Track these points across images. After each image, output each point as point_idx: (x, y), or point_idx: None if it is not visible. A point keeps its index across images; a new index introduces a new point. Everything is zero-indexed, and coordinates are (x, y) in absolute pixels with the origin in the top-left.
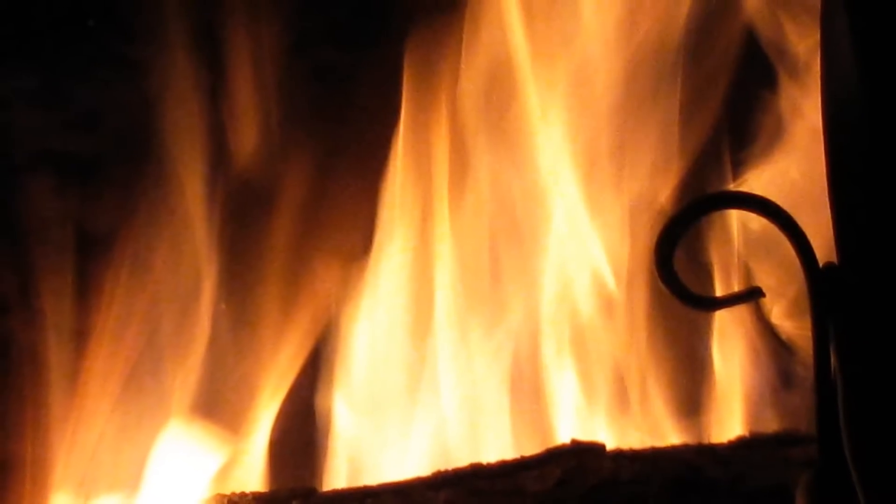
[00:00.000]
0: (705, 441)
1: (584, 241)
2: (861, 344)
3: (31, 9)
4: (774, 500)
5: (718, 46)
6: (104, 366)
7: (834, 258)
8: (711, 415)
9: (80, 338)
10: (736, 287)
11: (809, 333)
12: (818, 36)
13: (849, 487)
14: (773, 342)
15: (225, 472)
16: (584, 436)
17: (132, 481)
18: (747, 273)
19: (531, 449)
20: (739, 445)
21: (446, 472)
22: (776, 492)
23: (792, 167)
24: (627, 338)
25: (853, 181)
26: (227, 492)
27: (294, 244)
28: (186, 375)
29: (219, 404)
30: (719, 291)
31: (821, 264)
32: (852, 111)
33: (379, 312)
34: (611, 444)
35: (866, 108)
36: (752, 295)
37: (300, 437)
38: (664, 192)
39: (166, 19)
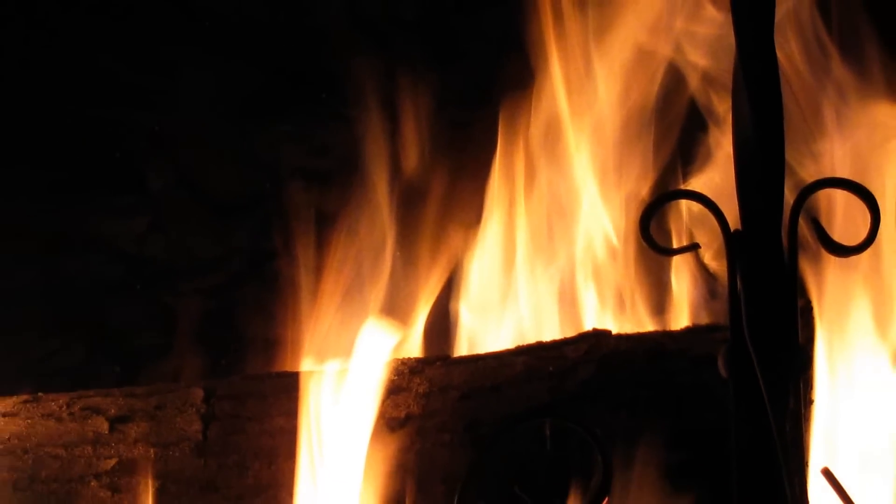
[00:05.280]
0: (667, 329)
1: (600, 217)
2: (753, 275)
3: (287, 88)
4: (706, 363)
5: (674, 108)
6: (331, 286)
7: (739, 226)
8: (670, 314)
9: (318, 271)
10: (684, 242)
11: (725, 269)
12: (731, 102)
13: (748, 355)
14: (705, 273)
15: (399, 346)
16: (599, 325)
17: (347, 352)
18: (690, 235)
19: (570, 332)
20: (686, 331)
21: (522, 346)
22: (707, 358)
23: (716, 175)
24: (624, 271)
25: (750, 183)
26: (401, 357)
27: (437, 219)
28: (377, 292)
29: (395, 308)
30: (675, 245)
31: (731, 230)
32: (749, 144)
33: (485, 257)
34: (615, 331)
35: (757, 143)
36: (693, 247)
37: (441, 326)
38: (644, 190)
39: (366, 93)
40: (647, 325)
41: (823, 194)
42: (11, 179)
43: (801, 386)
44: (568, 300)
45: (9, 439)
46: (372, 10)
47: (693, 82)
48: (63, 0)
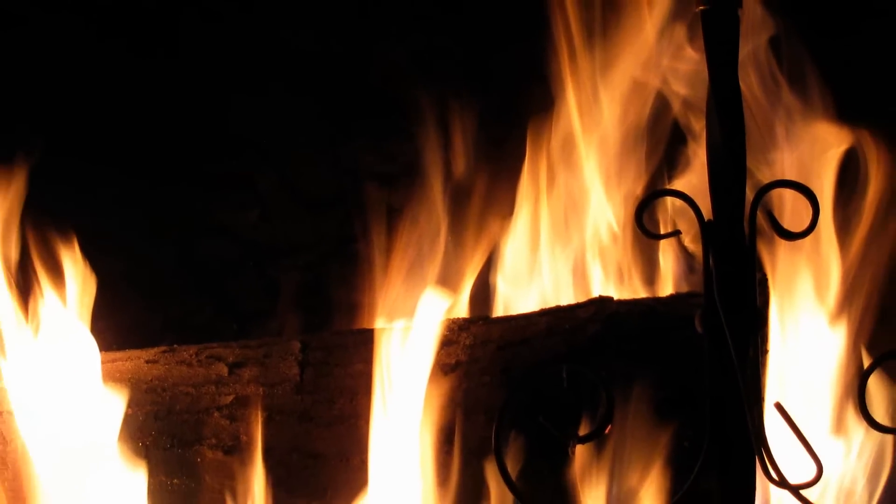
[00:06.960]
0: (657, 296)
1: (604, 210)
2: (722, 254)
3: (364, 110)
4: (686, 323)
5: (661, 126)
6: (398, 264)
7: (711, 217)
8: (659, 284)
9: (388, 252)
10: (669, 229)
11: (701, 250)
12: (705, 122)
13: (718, 316)
14: (685, 253)
15: (450, 309)
16: (604, 293)
17: (411, 313)
18: (674, 223)
19: (581, 298)
20: (671, 298)
21: (544, 308)
22: (687, 319)
23: (693, 178)
24: (623, 251)
25: (719, 184)
26: (452, 317)
27: (479, 211)
28: (433, 268)
29: (447, 280)
30: (662, 231)
31: (705, 220)
32: (718, 154)
33: (516, 240)
34: (616, 297)
35: (725, 153)
36: (675, 233)
37: (483, 294)
38: (639, 189)
39: (424, 114)
40: (641, 293)
41: (776, 193)
42: (159, 182)
43: (759, 340)
44: (580, 273)
45: (151, 381)
46: (427, 50)
47: (676, 107)
48: (196, 52)
